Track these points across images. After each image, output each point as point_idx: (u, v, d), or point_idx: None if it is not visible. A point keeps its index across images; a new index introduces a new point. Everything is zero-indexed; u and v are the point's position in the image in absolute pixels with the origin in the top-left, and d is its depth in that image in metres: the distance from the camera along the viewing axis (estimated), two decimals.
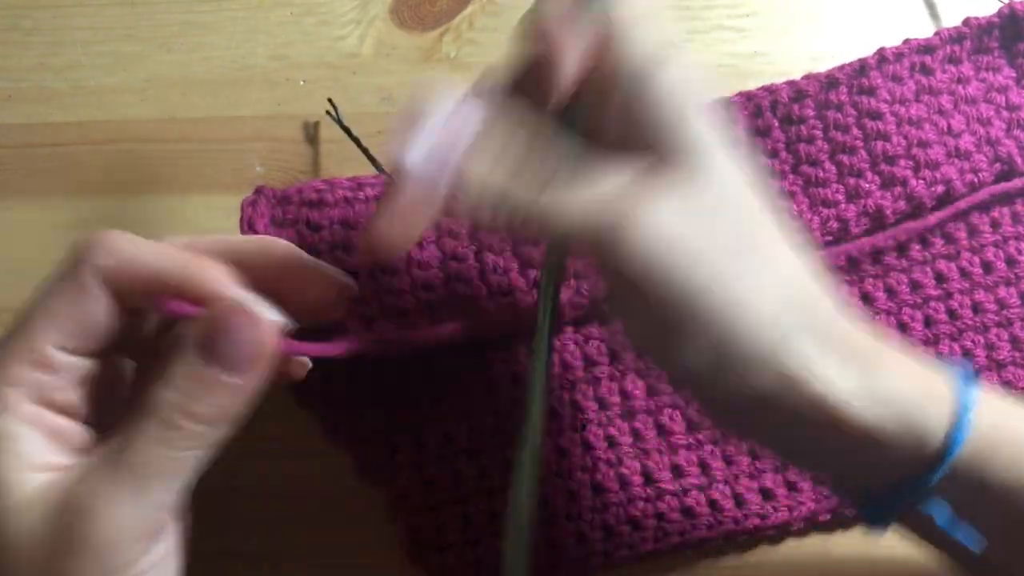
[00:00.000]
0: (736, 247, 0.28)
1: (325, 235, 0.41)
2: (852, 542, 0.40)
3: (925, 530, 0.31)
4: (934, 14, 0.48)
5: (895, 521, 0.31)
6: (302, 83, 0.47)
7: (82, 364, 0.28)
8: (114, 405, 0.29)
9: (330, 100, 0.45)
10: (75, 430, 0.28)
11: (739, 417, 0.30)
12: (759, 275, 0.28)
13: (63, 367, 0.27)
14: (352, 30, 0.48)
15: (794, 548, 0.40)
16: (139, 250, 0.28)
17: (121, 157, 0.46)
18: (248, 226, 0.40)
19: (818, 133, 0.43)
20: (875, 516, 0.31)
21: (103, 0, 0.49)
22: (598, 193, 0.28)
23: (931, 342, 0.42)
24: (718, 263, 0.27)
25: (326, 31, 0.48)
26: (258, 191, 0.40)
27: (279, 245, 0.31)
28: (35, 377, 0.27)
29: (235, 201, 0.41)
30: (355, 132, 0.45)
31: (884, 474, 0.29)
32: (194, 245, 0.29)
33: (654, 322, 0.28)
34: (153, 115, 0.47)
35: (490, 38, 0.48)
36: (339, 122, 0.45)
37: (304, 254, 0.32)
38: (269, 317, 0.27)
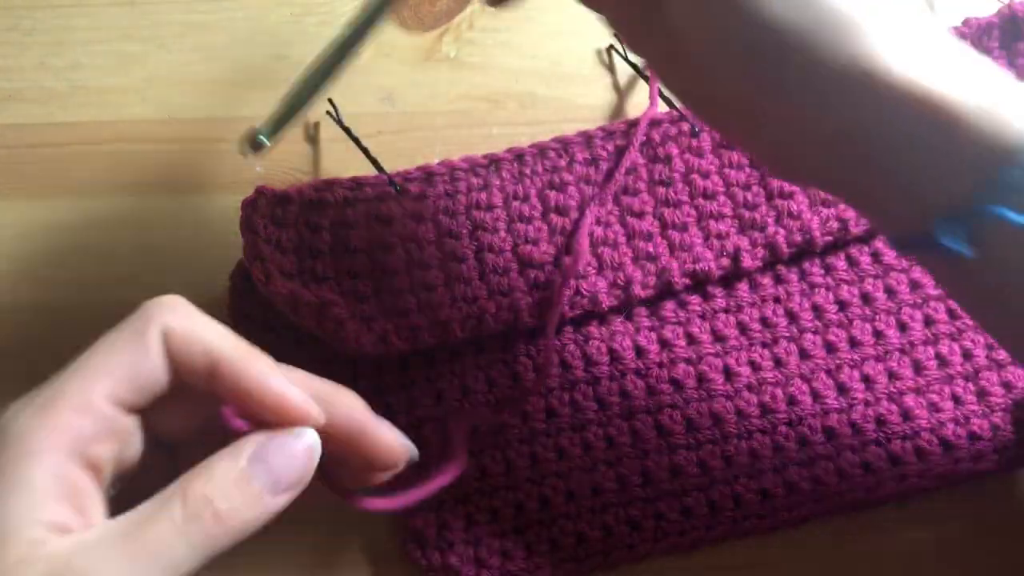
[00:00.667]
0: None
1: (325, 236, 0.41)
2: (852, 541, 0.40)
3: (986, 262, 0.29)
4: (934, 14, 0.48)
5: (968, 235, 0.28)
6: None
7: (121, 421, 0.28)
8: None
9: (330, 100, 0.45)
10: (91, 491, 0.27)
11: (823, 89, 0.28)
12: None
13: (105, 420, 0.27)
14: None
15: (793, 548, 0.41)
16: (205, 325, 0.29)
17: (121, 157, 0.46)
18: (247, 226, 0.40)
19: None
20: (952, 227, 0.28)
21: (103, 0, 0.49)
22: None
23: (931, 342, 0.42)
24: None
25: (326, 31, 0.48)
26: (258, 191, 0.40)
27: (348, 396, 0.30)
28: (78, 424, 0.27)
29: (235, 201, 0.41)
30: (355, 132, 0.45)
31: (964, 173, 0.28)
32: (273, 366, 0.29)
33: None
34: (153, 115, 0.47)
35: (490, 38, 0.48)
36: (339, 122, 0.45)
37: (370, 414, 0.31)
38: (315, 441, 0.28)
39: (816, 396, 0.41)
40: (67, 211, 0.45)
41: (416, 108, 0.47)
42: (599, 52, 0.48)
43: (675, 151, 0.43)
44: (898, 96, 0.27)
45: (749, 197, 0.42)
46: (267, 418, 0.28)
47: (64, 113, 0.47)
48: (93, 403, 0.27)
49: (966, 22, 0.44)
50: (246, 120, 0.46)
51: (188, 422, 0.30)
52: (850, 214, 0.42)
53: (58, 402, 0.27)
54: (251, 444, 0.28)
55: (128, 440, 0.28)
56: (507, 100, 0.47)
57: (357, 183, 0.42)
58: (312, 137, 0.47)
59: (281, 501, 0.28)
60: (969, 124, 0.27)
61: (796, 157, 0.31)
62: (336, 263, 0.41)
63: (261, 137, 0.34)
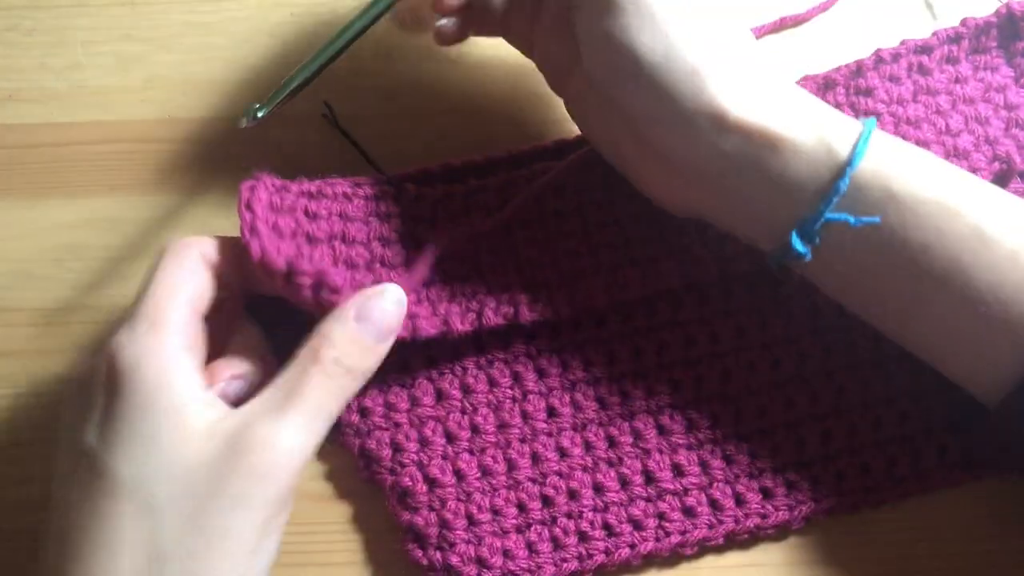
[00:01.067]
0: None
1: (323, 225, 0.41)
2: (853, 540, 0.41)
3: (836, 260, 0.36)
4: (933, 14, 0.48)
5: (817, 243, 0.36)
6: None
7: (200, 326, 0.35)
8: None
9: (326, 103, 0.45)
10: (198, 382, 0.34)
11: (677, 123, 0.36)
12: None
13: (192, 328, 0.34)
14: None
15: (794, 547, 0.41)
16: (223, 242, 0.36)
17: (121, 157, 0.46)
18: (246, 207, 0.39)
19: None
20: (802, 233, 0.36)
21: (103, 0, 0.49)
22: None
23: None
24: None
25: (326, 32, 0.48)
26: (257, 176, 0.40)
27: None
28: (181, 339, 0.33)
29: (235, 201, 0.41)
30: (355, 133, 0.45)
31: (806, 191, 0.35)
32: None
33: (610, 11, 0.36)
34: (153, 115, 0.47)
35: (490, 38, 0.48)
36: (335, 124, 0.45)
37: None
38: (400, 294, 0.36)
39: (813, 399, 0.41)
40: (67, 211, 0.45)
41: (416, 108, 0.47)
42: None
43: None
44: (739, 132, 0.35)
45: None
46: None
47: (64, 113, 0.47)
48: (182, 319, 0.34)
49: (964, 22, 0.45)
50: None
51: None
52: None
53: (163, 321, 0.33)
54: (352, 308, 0.35)
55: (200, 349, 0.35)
56: (507, 101, 0.47)
57: (355, 183, 0.42)
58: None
59: (387, 346, 0.36)
60: (804, 152, 0.35)
61: (664, 190, 0.39)
62: (332, 255, 0.41)
63: (256, 105, 0.38)
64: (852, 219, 0.35)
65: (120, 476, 0.31)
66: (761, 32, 0.47)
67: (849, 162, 0.35)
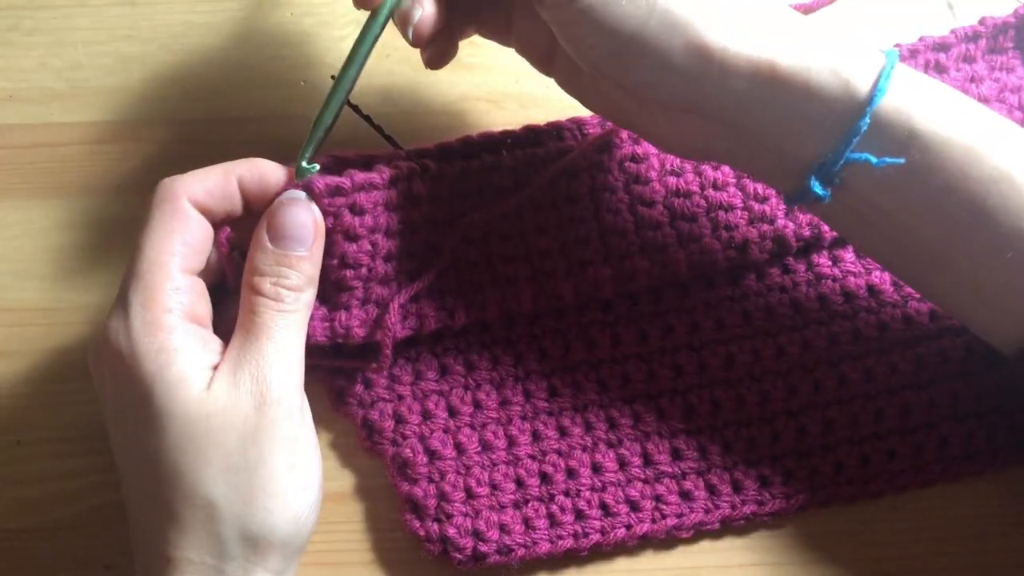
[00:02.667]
0: None
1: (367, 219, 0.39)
2: (849, 529, 0.41)
3: (856, 202, 0.35)
4: (952, 12, 0.48)
5: (838, 184, 0.34)
6: (302, 83, 0.47)
7: (197, 282, 0.36)
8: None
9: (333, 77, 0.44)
10: (211, 335, 0.36)
11: (674, 81, 0.34)
12: None
13: (190, 287, 0.35)
14: (352, 31, 0.48)
15: (791, 546, 0.41)
16: (207, 172, 0.36)
17: (121, 157, 0.46)
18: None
19: None
20: (822, 176, 0.34)
21: (104, 1, 0.49)
22: None
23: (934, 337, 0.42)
24: None
25: (326, 32, 0.48)
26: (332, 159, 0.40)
27: (267, 164, 0.37)
28: (179, 299, 0.34)
29: None
30: (355, 133, 0.44)
31: (823, 129, 0.33)
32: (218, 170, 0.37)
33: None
34: (153, 115, 0.47)
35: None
36: (358, 110, 0.45)
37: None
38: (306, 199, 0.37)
39: (816, 388, 0.41)
40: (67, 211, 0.45)
41: (416, 108, 0.47)
42: None
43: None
44: (741, 70, 0.33)
45: (759, 189, 0.42)
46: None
47: (64, 113, 0.47)
48: (178, 280, 0.35)
49: (982, 21, 0.44)
50: (246, 120, 0.46)
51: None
52: None
53: (157, 290, 0.34)
54: (263, 232, 0.36)
55: (205, 298, 0.36)
56: (507, 100, 0.47)
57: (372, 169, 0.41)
58: None
59: (318, 245, 0.36)
60: (819, 87, 0.33)
61: (675, 138, 0.37)
62: (371, 250, 0.40)
63: (303, 165, 0.37)
64: (874, 159, 0.33)
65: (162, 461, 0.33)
66: None
67: (870, 100, 0.32)
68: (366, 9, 0.37)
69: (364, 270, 0.39)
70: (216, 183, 0.36)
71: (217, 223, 0.37)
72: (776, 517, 0.40)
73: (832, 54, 0.33)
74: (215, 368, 0.34)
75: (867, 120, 0.32)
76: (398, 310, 0.39)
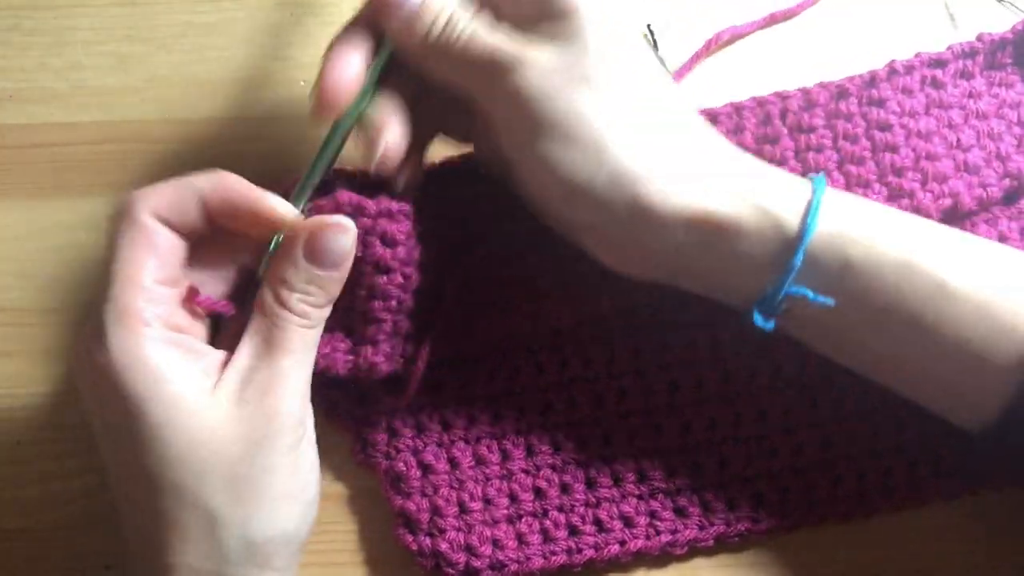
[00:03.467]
0: (599, 83, 0.35)
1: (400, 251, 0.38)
2: (849, 540, 0.40)
3: (803, 324, 0.37)
4: (954, 24, 0.47)
5: (781, 313, 0.36)
6: (302, 83, 0.47)
7: (176, 292, 0.35)
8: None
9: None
10: (197, 342, 0.35)
11: (620, 228, 0.35)
12: (617, 108, 0.35)
13: (167, 298, 0.34)
14: None
15: (785, 552, 0.40)
16: (176, 184, 0.35)
17: (121, 157, 0.46)
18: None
19: (827, 143, 0.42)
20: (763, 309, 0.36)
21: (104, 1, 0.49)
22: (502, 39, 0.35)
23: None
24: (585, 94, 0.35)
25: (326, 31, 0.48)
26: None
27: (231, 178, 0.36)
28: (155, 311, 0.33)
29: None
30: (353, 134, 0.44)
31: (760, 268, 0.35)
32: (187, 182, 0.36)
33: (542, 135, 0.35)
34: (153, 115, 0.47)
35: None
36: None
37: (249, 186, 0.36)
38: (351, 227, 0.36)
39: (813, 406, 0.41)
40: (67, 211, 0.45)
41: None
42: None
43: None
44: (679, 221, 0.35)
45: None
46: (253, 218, 0.35)
47: (64, 113, 0.47)
48: (154, 292, 0.33)
49: (980, 37, 0.44)
50: (246, 120, 0.46)
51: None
52: None
53: (130, 303, 0.33)
54: (299, 247, 0.35)
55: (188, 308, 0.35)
56: None
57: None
58: None
59: (344, 271, 0.36)
60: (751, 230, 0.35)
61: (618, 265, 0.38)
62: (403, 283, 0.39)
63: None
64: (811, 295, 0.35)
65: (160, 477, 0.33)
66: (752, 28, 0.47)
67: (801, 237, 0.34)
68: (322, 122, 0.37)
69: (394, 303, 0.38)
70: (175, 196, 0.35)
71: (183, 236, 0.35)
72: (771, 534, 0.40)
73: (762, 195, 0.35)
74: (218, 376, 0.34)
75: (800, 257, 0.34)
76: (426, 352, 0.39)
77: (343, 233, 0.35)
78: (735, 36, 0.47)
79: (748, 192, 0.35)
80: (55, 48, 0.48)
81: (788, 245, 0.35)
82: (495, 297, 0.41)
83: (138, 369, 0.32)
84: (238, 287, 0.37)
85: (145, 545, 0.34)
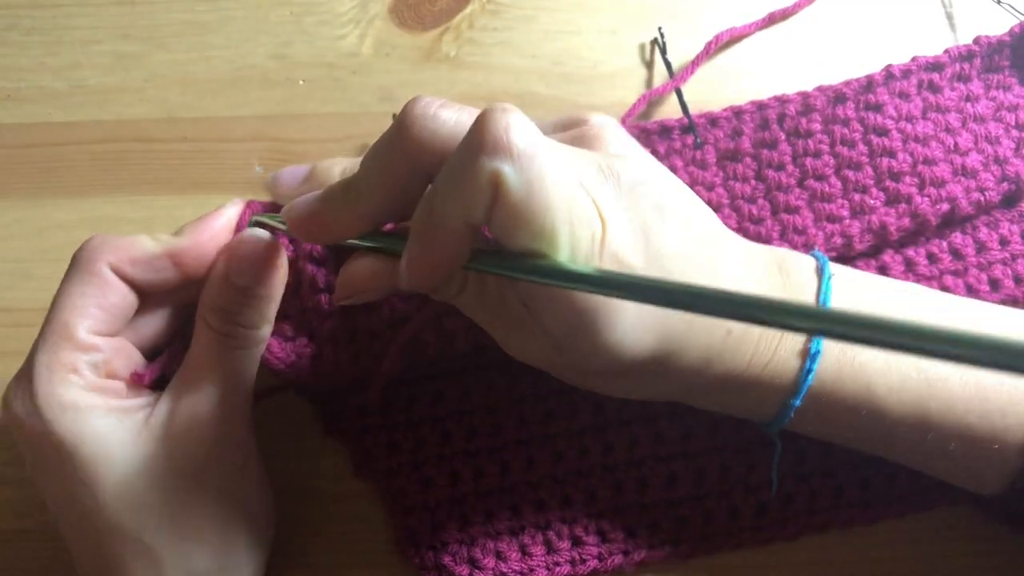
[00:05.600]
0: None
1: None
2: (847, 549, 0.41)
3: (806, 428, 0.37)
4: (952, 26, 0.47)
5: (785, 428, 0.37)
6: (302, 83, 0.47)
7: (115, 341, 0.34)
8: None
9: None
10: (125, 386, 0.34)
11: (639, 378, 0.34)
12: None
13: (105, 347, 0.33)
14: (352, 30, 0.48)
15: (789, 551, 0.41)
16: (134, 242, 0.34)
17: (121, 157, 0.46)
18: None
19: (824, 147, 0.42)
20: (767, 427, 0.37)
21: (102, 0, 0.48)
22: None
23: None
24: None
25: (326, 31, 0.48)
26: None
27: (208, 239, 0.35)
28: (89, 359, 0.33)
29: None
30: (353, 133, 0.44)
31: (762, 401, 0.36)
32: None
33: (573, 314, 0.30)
34: (153, 115, 0.47)
35: (490, 37, 0.48)
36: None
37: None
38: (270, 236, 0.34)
39: None
40: (67, 211, 0.45)
41: None
42: (642, 46, 0.48)
43: (679, 163, 0.43)
44: (690, 369, 0.33)
45: (754, 211, 0.42)
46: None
47: (63, 113, 0.47)
48: (88, 341, 0.33)
49: (977, 40, 0.44)
50: (246, 120, 0.46)
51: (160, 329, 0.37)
52: (854, 230, 0.41)
53: (61, 350, 0.33)
54: (221, 266, 0.34)
55: (127, 354, 0.35)
56: (507, 100, 0.47)
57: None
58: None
59: (273, 286, 0.35)
60: (752, 379, 0.35)
61: (637, 397, 0.37)
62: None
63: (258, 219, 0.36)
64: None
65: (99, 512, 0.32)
66: (751, 28, 0.47)
67: (797, 391, 0.35)
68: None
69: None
70: (143, 255, 0.34)
71: (147, 292, 0.35)
72: (771, 541, 0.40)
73: (763, 359, 0.34)
74: (150, 412, 0.33)
75: (797, 399, 0.35)
76: (397, 356, 0.38)
77: (258, 241, 0.34)
78: (734, 37, 0.47)
79: (749, 347, 0.34)
80: (54, 47, 0.48)
81: (785, 392, 0.35)
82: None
83: (65, 415, 0.32)
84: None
85: None
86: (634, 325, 0.31)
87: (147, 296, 0.35)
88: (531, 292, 0.31)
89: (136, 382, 0.34)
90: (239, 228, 0.36)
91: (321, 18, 0.48)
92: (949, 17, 0.48)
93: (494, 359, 0.41)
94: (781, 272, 0.36)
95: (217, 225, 0.35)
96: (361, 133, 0.45)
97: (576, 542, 0.39)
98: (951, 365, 0.31)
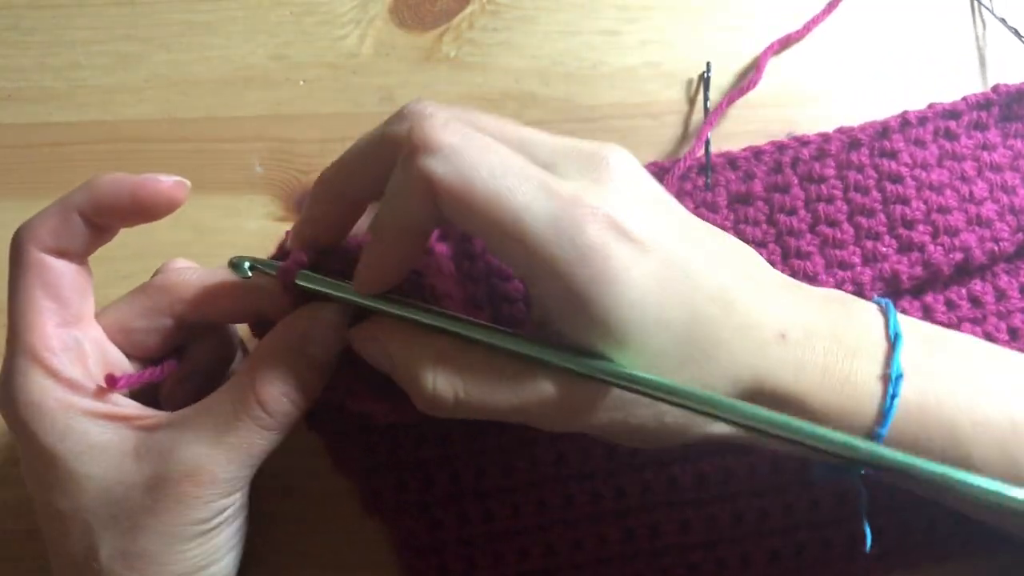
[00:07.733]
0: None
1: None
2: None
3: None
4: (984, 66, 0.47)
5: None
6: (302, 83, 0.47)
7: (88, 332, 0.33)
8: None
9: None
10: (112, 398, 0.33)
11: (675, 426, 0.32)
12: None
13: (78, 342, 0.33)
14: (352, 30, 0.48)
15: None
16: (43, 217, 0.34)
17: (121, 157, 0.46)
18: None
19: (838, 193, 0.41)
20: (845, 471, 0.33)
21: (103, 0, 0.49)
22: None
23: None
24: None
25: (326, 31, 0.48)
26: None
27: (104, 178, 0.35)
28: (64, 359, 0.32)
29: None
30: (354, 133, 0.44)
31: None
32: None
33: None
34: (153, 115, 0.47)
35: (490, 38, 0.48)
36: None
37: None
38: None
39: None
40: None
41: None
42: (643, 46, 0.48)
43: (690, 205, 0.42)
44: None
45: (764, 255, 0.40)
46: (138, 206, 0.34)
47: (63, 113, 0.47)
48: (53, 338, 0.32)
49: (995, 88, 0.43)
50: (246, 120, 0.46)
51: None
52: (865, 278, 0.40)
53: (34, 357, 0.32)
54: (283, 341, 0.33)
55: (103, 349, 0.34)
56: (507, 100, 0.47)
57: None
58: None
59: (323, 377, 0.33)
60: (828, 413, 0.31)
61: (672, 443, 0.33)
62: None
63: (245, 266, 0.35)
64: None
65: (61, 508, 0.32)
66: (770, 52, 0.46)
67: (877, 434, 0.32)
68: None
69: None
70: (57, 222, 0.33)
71: (78, 260, 0.34)
72: None
73: (833, 378, 0.32)
74: (148, 432, 0.32)
75: (877, 436, 0.32)
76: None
77: (331, 330, 0.33)
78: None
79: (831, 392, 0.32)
80: (54, 47, 0.48)
81: (870, 428, 0.32)
82: None
83: (45, 420, 0.32)
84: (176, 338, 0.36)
85: None
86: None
87: (150, 307, 0.35)
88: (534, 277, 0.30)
89: (108, 385, 0.33)
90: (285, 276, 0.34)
91: (321, 18, 0.48)
92: (982, 60, 0.47)
93: None
94: (842, 304, 0.34)
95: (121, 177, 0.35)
96: (361, 133, 0.45)
97: None
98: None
